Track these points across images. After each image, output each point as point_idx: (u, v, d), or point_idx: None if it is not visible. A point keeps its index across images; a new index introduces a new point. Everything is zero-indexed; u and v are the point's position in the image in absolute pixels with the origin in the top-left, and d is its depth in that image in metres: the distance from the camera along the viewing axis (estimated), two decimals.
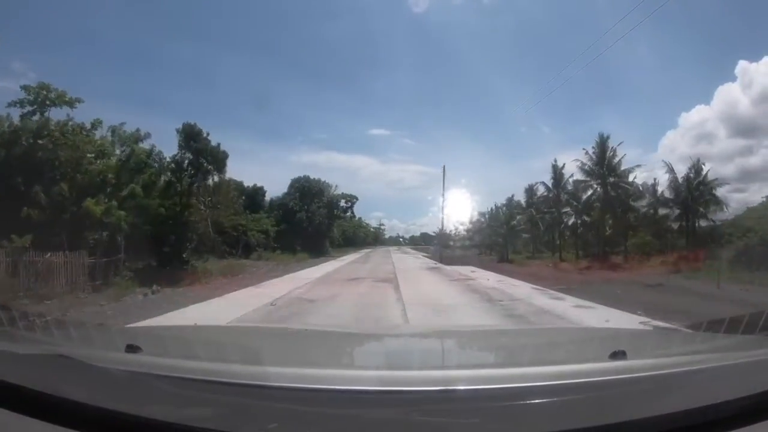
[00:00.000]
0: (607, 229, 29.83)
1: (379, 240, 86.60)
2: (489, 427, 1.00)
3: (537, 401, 1.04)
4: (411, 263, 31.62)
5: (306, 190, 41.77)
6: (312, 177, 43.90)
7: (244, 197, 35.66)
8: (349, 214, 55.47)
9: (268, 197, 40.60)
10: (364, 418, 0.99)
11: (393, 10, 61.93)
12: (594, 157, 29.65)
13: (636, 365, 1.31)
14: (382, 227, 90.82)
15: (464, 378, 1.26)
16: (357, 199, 54.51)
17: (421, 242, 79.94)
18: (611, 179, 28.98)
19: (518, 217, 37.79)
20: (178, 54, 51.14)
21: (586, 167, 29.83)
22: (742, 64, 41.77)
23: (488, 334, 2.94)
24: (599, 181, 29.43)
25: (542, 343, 2.28)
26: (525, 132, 68.51)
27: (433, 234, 62.39)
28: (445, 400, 1.08)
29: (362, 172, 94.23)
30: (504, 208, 41.52)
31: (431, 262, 32.25)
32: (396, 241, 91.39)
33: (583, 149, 30.34)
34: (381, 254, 46.86)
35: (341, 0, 59.03)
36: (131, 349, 1.40)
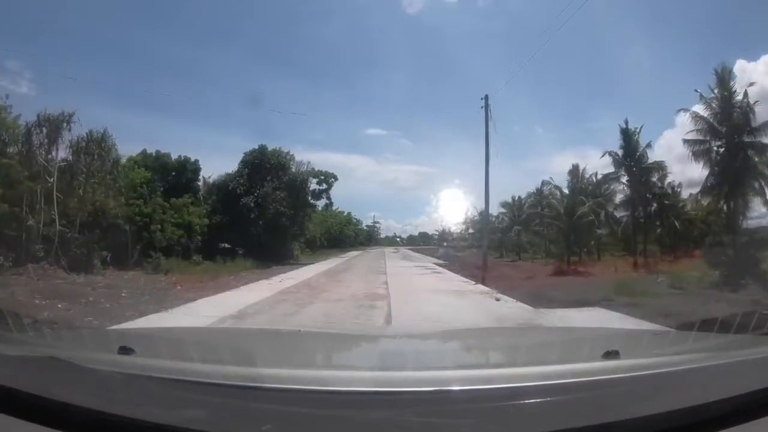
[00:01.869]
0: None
1: (373, 239, 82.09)
2: (483, 427, 1.00)
3: (531, 401, 1.04)
4: (429, 292, 12.75)
5: (258, 166, 26.01)
6: (270, 147, 27.30)
7: (173, 175, 23.46)
8: (323, 200, 34.33)
9: (217, 179, 26.13)
10: (358, 419, 0.98)
11: (389, 11, 61.97)
12: (715, 106, 18.24)
13: (629, 365, 1.32)
14: (377, 225, 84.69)
15: (459, 378, 1.26)
16: (336, 178, 34.04)
17: (420, 242, 78.46)
18: (745, 138, 18.20)
19: (585, 205, 23.87)
20: (171, 51, 50.55)
21: (705, 120, 18.43)
22: (740, 63, 41.49)
23: (482, 334, 2.95)
24: (721, 141, 18.52)
25: (536, 343, 2.29)
26: (520, 132, 68.56)
27: (433, 233, 60.53)
28: (440, 400, 1.08)
29: (358, 172, 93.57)
30: (544, 193, 30.36)
31: (463, 283, 15.53)
32: (392, 241, 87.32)
33: (696, 90, 19.08)
34: (370, 261, 30.92)
35: (337, 0, 58.81)
36: (124, 350, 1.39)
